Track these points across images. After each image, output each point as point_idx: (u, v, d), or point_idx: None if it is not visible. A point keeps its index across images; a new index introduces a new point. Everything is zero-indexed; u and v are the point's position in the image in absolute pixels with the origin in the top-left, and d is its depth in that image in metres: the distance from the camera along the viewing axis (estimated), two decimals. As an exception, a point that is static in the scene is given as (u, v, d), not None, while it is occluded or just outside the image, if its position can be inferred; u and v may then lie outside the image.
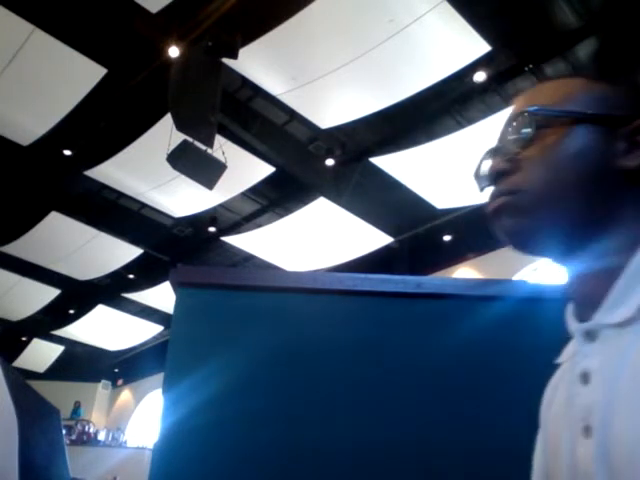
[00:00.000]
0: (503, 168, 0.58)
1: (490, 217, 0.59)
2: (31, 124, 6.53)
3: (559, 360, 0.61)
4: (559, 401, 0.59)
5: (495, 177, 0.59)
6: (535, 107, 0.57)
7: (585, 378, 0.52)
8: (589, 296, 0.54)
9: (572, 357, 0.57)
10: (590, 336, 0.53)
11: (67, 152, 7.40)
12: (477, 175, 0.63)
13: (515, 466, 1.00)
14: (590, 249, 0.54)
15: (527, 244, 0.58)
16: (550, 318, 1.10)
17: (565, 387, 0.58)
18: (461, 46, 5.18)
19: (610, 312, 0.51)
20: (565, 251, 0.56)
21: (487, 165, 0.62)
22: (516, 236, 0.57)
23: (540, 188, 0.55)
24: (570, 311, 0.58)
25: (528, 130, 0.56)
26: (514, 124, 0.59)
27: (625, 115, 0.55)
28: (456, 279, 1.42)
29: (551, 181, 0.54)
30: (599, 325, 0.52)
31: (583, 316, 0.55)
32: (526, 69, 5.99)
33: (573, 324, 0.57)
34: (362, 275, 1.12)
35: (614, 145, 0.54)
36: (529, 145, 0.57)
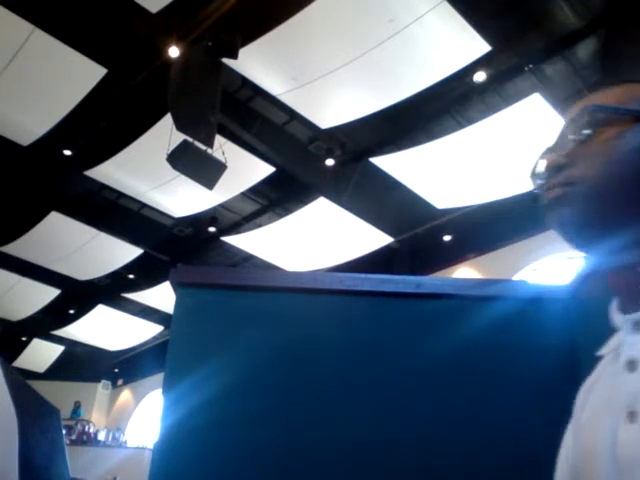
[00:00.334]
0: (561, 162, 0.61)
1: (546, 207, 0.62)
2: (31, 124, 6.53)
3: (600, 353, 0.62)
4: (600, 390, 0.60)
5: (553, 171, 0.62)
6: (592, 105, 0.61)
7: (632, 366, 0.54)
8: (636, 289, 0.56)
9: (616, 349, 0.58)
10: (638, 326, 0.55)
11: (67, 152, 7.40)
12: (533, 173, 0.65)
13: (515, 465, 1.00)
14: (638, 243, 0.56)
15: (579, 234, 0.60)
16: (550, 318, 1.10)
17: (608, 376, 0.59)
18: (461, 46, 5.18)
19: None
20: (614, 244, 0.58)
21: (543, 164, 0.64)
22: (570, 226, 0.60)
23: (595, 181, 0.57)
24: (614, 306, 0.60)
25: (587, 127, 0.60)
26: (574, 122, 0.62)
27: None
28: (456, 279, 1.42)
29: (606, 175, 0.57)
30: None
31: (628, 309, 0.57)
32: (526, 69, 5.99)
33: (618, 317, 0.59)
34: (362, 275, 1.12)
35: None
36: (587, 142, 0.60)
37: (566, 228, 0.60)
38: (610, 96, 0.62)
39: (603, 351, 0.61)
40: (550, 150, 0.64)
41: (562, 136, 0.64)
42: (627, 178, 0.56)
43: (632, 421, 0.51)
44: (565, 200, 0.59)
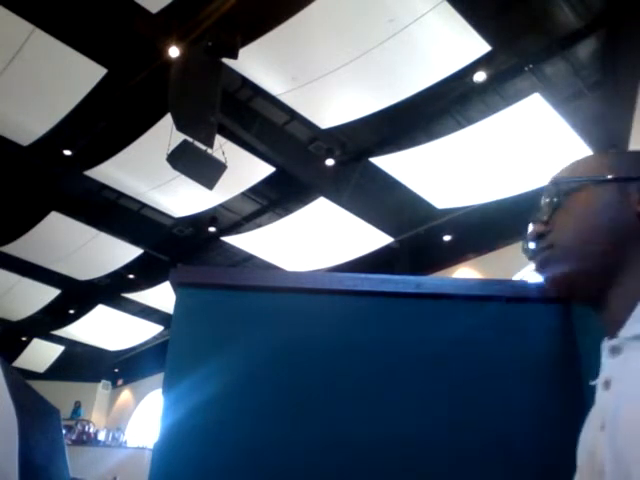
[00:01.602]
0: (541, 230, 0.73)
1: (537, 270, 0.73)
2: (31, 124, 6.53)
3: (593, 383, 0.69)
4: (588, 420, 0.68)
5: (536, 238, 0.74)
6: (559, 179, 0.73)
7: (607, 385, 0.62)
8: (617, 320, 0.64)
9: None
10: (615, 351, 0.63)
11: (67, 152, 7.41)
12: (524, 249, 0.76)
13: (515, 465, 1.00)
14: (617, 282, 0.66)
15: (567, 288, 0.70)
16: (550, 319, 1.10)
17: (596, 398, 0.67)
18: (461, 46, 5.17)
19: (631, 328, 0.61)
20: (598, 289, 0.68)
21: (530, 232, 0.76)
22: (558, 283, 0.71)
23: (570, 241, 0.69)
24: (604, 340, 0.68)
25: (555, 198, 0.72)
26: (546, 194, 0.74)
27: (635, 174, 0.68)
28: (456, 279, 1.42)
29: (578, 235, 0.68)
30: (622, 339, 0.62)
31: (611, 337, 0.65)
32: (526, 69, 5.99)
33: (602, 344, 0.67)
34: (362, 275, 1.12)
35: (628, 198, 0.67)
36: (559, 209, 0.71)
37: (556, 286, 0.71)
38: (570, 168, 0.74)
39: (596, 381, 0.68)
40: (533, 221, 0.76)
41: (540, 206, 0.75)
42: (594, 236, 0.67)
43: (602, 430, 0.59)
44: (548, 262, 0.71)
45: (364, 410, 1.02)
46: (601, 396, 0.63)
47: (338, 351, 1.06)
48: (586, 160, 0.75)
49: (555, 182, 0.73)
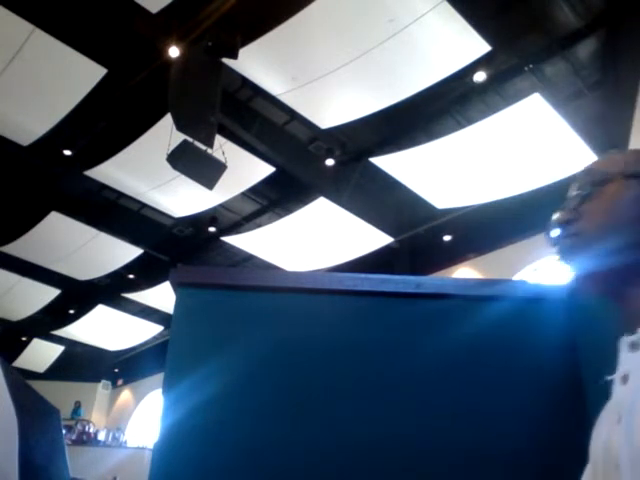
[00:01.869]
0: (568, 217, 0.73)
1: (559, 255, 0.74)
2: (31, 124, 6.53)
3: (609, 377, 0.69)
4: (605, 408, 0.69)
5: (562, 225, 0.74)
6: (592, 169, 0.74)
7: (624, 379, 0.63)
8: (637, 317, 0.65)
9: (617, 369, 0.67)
10: (634, 346, 0.64)
11: (67, 152, 7.41)
12: (548, 235, 0.76)
13: (514, 464, 1.00)
14: (639, 277, 0.66)
15: (589, 279, 0.71)
16: (550, 318, 1.10)
17: (611, 393, 0.68)
18: (461, 46, 5.17)
19: None
20: (619, 283, 0.69)
21: (556, 219, 0.77)
22: (581, 268, 0.71)
23: (596, 232, 0.70)
24: (622, 336, 0.69)
25: (586, 188, 0.73)
26: (577, 183, 0.75)
27: None
28: (456, 279, 1.42)
29: (605, 226, 0.69)
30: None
31: (630, 333, 0.66)
32: (526, 69, 5.99)
33: (620, 340, 0.68)
34: (362, 275, 1.12)
35: None
36: (589, 199, 0.72)
37: (578, 271, 0.72)
38: (611, 160, 0.75)
39: (613, 376, 0.69)
40: (561, 208, 0.76)
41: (570, 195, 0.76)
42: (622, 226, 0.68)
43: (618, 423, 0.59)
44: (571, 249, 0.72)
45: (364, 410, 1.02)
46: (618, 390, 0.64)
47: (338, 351, 1.06)
48: (622, 153, 0.76)
49: (588, 172, 0.74)
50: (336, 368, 1.05)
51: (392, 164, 6.88)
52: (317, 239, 8.57)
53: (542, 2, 5.31)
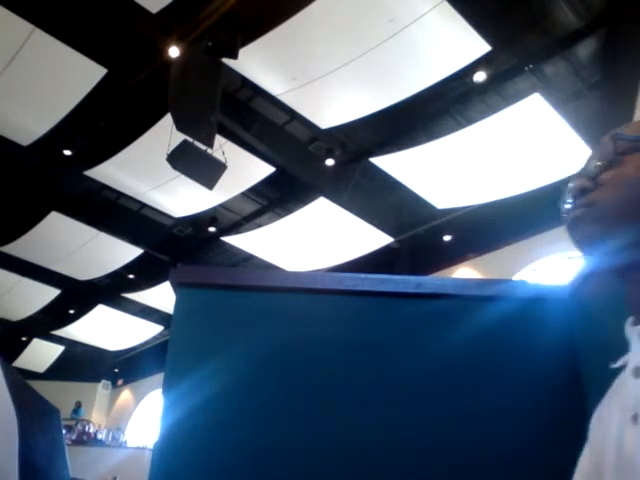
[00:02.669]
0: (585, 185, 0.67)
1: (568, 225, 0.68)
2: (31, 124, 6.53)
3: (615, 365, 0.65)
4: (611, 397, 0.65)
5: (578, 193, 0.68)
6: (618, 135, 0.67)
7: (638, 372, 0.59)
8: None
9: (626, 359, 0.63)
10: None
11: (67, 152, 7.41)
12: (561, 203, 0.71)
13: (514, 464, 1.00)
14: None
15: (596, 249, 0.65)
16: (550, 318, 1.10)
17: (619, 384, 0.64)
18: (461, 46, 5.17)
19: None
20: (629, 261, 0.63)
21: (571, 186, 0.70)
22: (588, 241, 0.66)
23: (613, 202, 0.63)
24: (630, 320, 0.64)
25: (612, 154, 0.66)
26: (600, 149, 0.68)
27: None
28: (456, 279, 1.42)
29: (624, 198, 0.63)
30: None
31: (639, 322, 0.62)
32: (526, 69, 5.99)
33: (630, 329, 0.63)
34: (362, 275, 1.12)
35: None
36: (612, 167, 0.65)
37: (585, 244, 0.66)
38: (630, 127, 0.68)
39: (618, 363, 0.65)
40: (577, 175, 0.70)
41: (589, 162, 0.69)
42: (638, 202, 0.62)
43: (635, 423, 0.55)
44: (583, 219, 0.65)
45: (364, 410, 1.02)
46: (631, 384, 0.59)
47: (338, 351, 1.06)
48: None
49: (613, 138, 0.67)
50: (336, 368, 1.05)
51: (392, 164, 6.88)
52: (317, 239, 8.57)
53: (542, 2, 5.31)
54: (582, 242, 0.66)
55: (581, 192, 0.67)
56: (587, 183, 0.66)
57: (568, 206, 0.68)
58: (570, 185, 0.69)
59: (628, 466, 0.54)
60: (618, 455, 0.56)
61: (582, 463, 0.68)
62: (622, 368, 0.64)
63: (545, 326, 1.09)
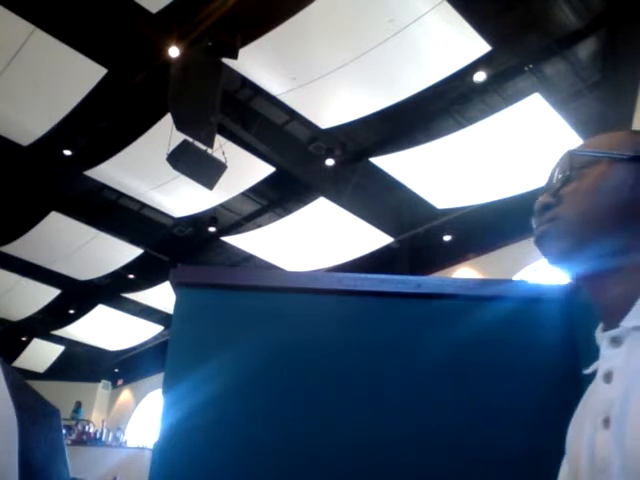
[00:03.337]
0: (548, 201, 0.69)
1: (535, 241, 0.70)
2: (31, 124, 6.53)
3: (587, 371, 0.67)
4: (585, 402, 0.67)
5: (542, 210, 0.70)
6: (575, 150, 0.70)
7: (608, 377, 0.60)
8: (617, 309, 0.61)
9: (597, 364, 0.64)
10: (616, 341, 0.61)
11: (67, 152, 7.40)
12: (533, 217, 0.73)
13: (514, 465, 1.00)
14: (619, 268, 0.63)
15: (564, 264, 0.68)
16: (550, 318, 1.10)
17: (591, 390, 0.65)
18: (461, 46, 5.17)
19: (635, 318, 0.59)
20: (597, 271, 0.65)
21: (536, 203, 0.73)
22: (555, 256, 0.68)
23: (576, 216, 0.65)
24: (600, 327, 0.66)
25: (570, 169, 0.68)
26: (560, 165, 0.71)
27: None
28: (456, 279, 1.42)
29: (586, 211, 0.65)
30: (623, 329, 0.59)
31: (610, 326, 0.63)
32: (526, 69, 5.99)
33: (600, 335, 0.65)
34: (362, 275, 1.12)
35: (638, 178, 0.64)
36: (571, 182, 0.68)
37: (552, 260, 0.68)
38: (589, 142, 0.71)
39: (590, 369, 0.66)
40: (543, 191, 0.72)
41: (551, 178, 0.72)
42: (604, 213, 0.64)
43: (606, 427, 0.56)
44: (548, 235, 0.67)
45: (364, 410, 1.02)
46: (601, 389, 0.60)
47: (338, 351, 1.06)
48: (609, 135, 0.72)
49: (571, 153, 0.70)
50: (336, 368, 1.05)
51: (392, 164, 6.88)
52: (317, 239, 8.57)
53: (542, 2, 5.31)
54: (550, 257, 0.68)
55: (545, 208, 0.69)
56: (550, 199, 0.69)
57: (535, 223, 0.71)
58: (537, 201, 0.72)
59: (600, 470, 0.55)
60: (591, 461, 0.58)
61: (562, 470, 0.70)
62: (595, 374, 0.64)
63: (545, 326, 1.09)
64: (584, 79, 6.11)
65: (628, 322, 0.59)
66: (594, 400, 0.62)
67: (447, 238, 8.76)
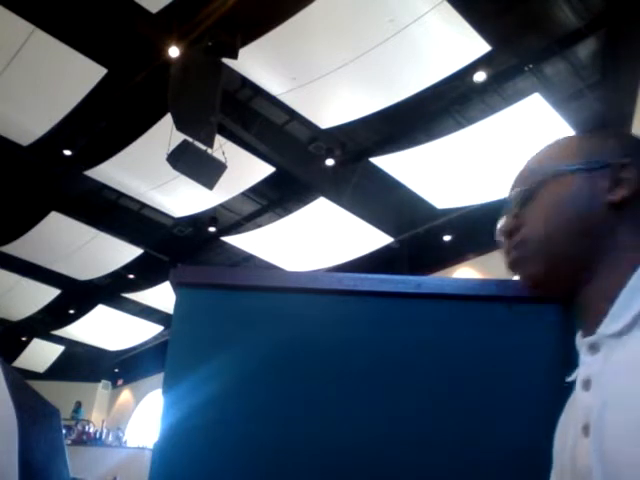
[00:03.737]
0: (511, 226, 0.69)
1: (509, 268, 0.69)
2: (31, 124, 6.53)
3: (569, 379, 0.66)
4: (567, 410, 0.67)
5: (507, 235, 0.69)
6: (528, 171, 0.69)
7: (587, 385, 0.59)
8: (594, 316, 0.61)
9: (578, 371, 0.63)
10: (594, 348, 0.60)
11: (67, 152, 7.41)
12: (499, 245, 0.72)
13: (513, 465, 1.00)
14: (595, 276, 0.62)
15: (542, 286, 0.67)
16: (551, 318, 1.10)
17: (572, 397, 0.65)
18: (461, 46, 5.17)
19: (610, 324, 0.58)
20: (572, 285, 0.64)
21: (499, 228, 0.72)
22: (531, 281, 0.67)
23: (542, 237, 0.65)
24: (579, 333, 0.65)
25: (525, 191, 0.67)
26: (515, 187, 0.70)
27: (604, 160, 0.64)
28: (456, 279, 1.42)
29: (550, 229, 0.64)
30: (600, 336, 0.59)
31: (589, 333, 0.62)
32: (526, 69, 5.99)
33: (579, 341, 0.64)
34: (362, 275, 1.12)
35: (597, 186, 0.63)
36: (529, 202, 0.67)
37: (531, 284, 0.68)
38: (538, 157, 0.70)
39: (572, 377, 0.65)
40: (503, 214, 0.71)
41: (509, 199, 0.70)
42: (569, 227, 0.63)
43: (585, 435, 0.56)
44: (521, 261, 0.67)
45: (364, 410, 1.02)
46: (581, 397, 0.60)
47: (338, 351, 1.07)
48: (557, 146, 0.71)
49: (522, 173, 0.70)
50: (336, 368, 1.05)
51: (392, 164, 6.88)
52: (317, 239, 8.57)
53: (542, 2, 5.31)
54: (530, 281, 0.67)
55: (509, 233, 0.69)
56: (512, 223, 0.68)
57: (503, 249, 0.70)
58: (499, 226, 0.71)
59: (582, 478, 0.56)
60: (573, 469, 0.58)
61: (551, 478, 0.70)
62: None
63: (546, 326, 1.09)
64: (584, 79, 6.11)
65: (604, 329, 0.59)
66: (575, 408, 0.62)
67: (447, 238, 8.76)
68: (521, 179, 0.70)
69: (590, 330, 0.61)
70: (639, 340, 0.54)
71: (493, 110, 6.09)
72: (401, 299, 1.11)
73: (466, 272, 8.67)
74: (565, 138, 0.72)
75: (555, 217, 0.64)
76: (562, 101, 6.02)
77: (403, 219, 8.47)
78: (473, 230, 8.22)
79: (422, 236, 8.66)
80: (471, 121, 6.31)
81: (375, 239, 8.47)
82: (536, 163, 0.70)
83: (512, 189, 0.71)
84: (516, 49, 5.80)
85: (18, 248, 9.10)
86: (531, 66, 5.95)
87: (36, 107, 6.29)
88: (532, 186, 0.67)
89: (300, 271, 8.76)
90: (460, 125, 6.54)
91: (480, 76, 6.03)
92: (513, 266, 0.68)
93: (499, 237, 0.71)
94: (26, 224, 8.60)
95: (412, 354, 1.07)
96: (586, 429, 0.56)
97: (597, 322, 0.60)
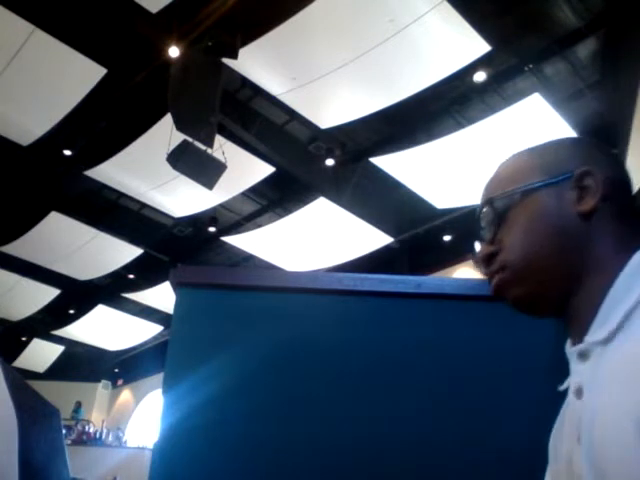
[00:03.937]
0: (489, 252, 0.68)
1: (494, 294, 0.68)
2: (31, 124, 6.53)
3: (561, 388, 0.67)
4: (562, 417, 0.67)
5: (486, 261, 0.68)
6: (491, 198, 0.69)
7: (579, 393, 0.59)
8: (581, 325, 0.61)
9: (570, 379, 0.64)
10: (583, 356, 0.60)
11: (67, 152, 7.40)
12: (475, 266, 0.72)
13: (512, 466, 1.00)
14: (577, 290, 0.62)
15: (530, 308, 0.66)
16: (550, 319, 1.10)
17: (566, 403, 0.65)
18: (461, 46, 5.17)
19: (597, 331, 0.58)
20: (560, 301, 0.64)
21: (477, 253, 0.71)
22: (520, 305, 0.66)
23: (521, 259, 0.64)
24: (569, 342, 0.65)
25: (493, 217, 0.67)
26: (483, 213, 0.70)
27: (564, 172, 0.64)
28: (456, 279, 1.42)
29: (527, 250, 0.64)
30: (588, 344, 0.59)
31: (577, 341, 0.62)
32: (526, 69, 5.99)
33: (568, 350, 0.64)
34: (362, 275, 1.12)
35: (565, 198, 0.63)
36: (501, 226, 0.67)
37: (518, 308, 0.67)
38: (499, 181, 0.70)
39: (563, 385, 0.66)
40: (479, 240, 0.71)
41: (481, 229, 0.70)
42: (546, 245, 0.62)
43: (579, 443, 0.56)
44: (504, 285, 0.66)
45: (363, 410, 1.02)
46: (574, 405, 0.61)
47: (338, 351, 1.06)
48: (513, 166, 0.71)
49: (487, 201, 0.69)
50: (336, 368, 1.05)
51: (392, 164, 6.88)
52: (317, 239, 8.57)
53: (542, 2, 5.31)
54: (515, 305, 0.67)
55: (488, 259, 0.68)
56: (489, 248, 0.68)
57: (485, 275, 0.69)
58: (477, 252, 0.71)
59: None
60: (569, 472, 0.59)
61: (545, 478, 0.70)
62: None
63: (545, 327, 1.09)
64: (584, 79, 6.11)
65: (591, 337, 0.59)
66: (569, 415, 0.63)
67: (447, 238, 8.76)
68: (487, 204, 0.70)
69: (578, 338, 0.61)
70: (624, 346, 0.54)
71: (493, 110, 6.08)
72: (401, 299, 1.11)
73: (466, 272, 8.67)
74: (520, 154, 0.73)
75: (530, 238, 0.64)
76: (562, 101, 6.02)
77: (403, 219, 8.47)
78: (473, 230, 8.22)
79: (422, 236, 8.66)
80: (471, 121, 6.31)
81: (375, 239, 8.47)
82: (499, 188, 0.70)
83: (479, 214, 0.71)
84: (516, 49, 5.80)
85: (18, 248, 9.10)
86: (531, 66, 5.95)
87: (36, 107, 6.29)
88: (501, 211, 0.67)
89: (300, 271, 8.76)
90: (460, 125, 6.53)
91: (480, 76, 6.03)
92: (498, 292, 0.67)
93: (477, 266, 0.71)
94: (26, 224, 8.60)
95: (412, 354, 1.07)
96: (579, 438, 0.56)
97: (584, 330, 0.60)
